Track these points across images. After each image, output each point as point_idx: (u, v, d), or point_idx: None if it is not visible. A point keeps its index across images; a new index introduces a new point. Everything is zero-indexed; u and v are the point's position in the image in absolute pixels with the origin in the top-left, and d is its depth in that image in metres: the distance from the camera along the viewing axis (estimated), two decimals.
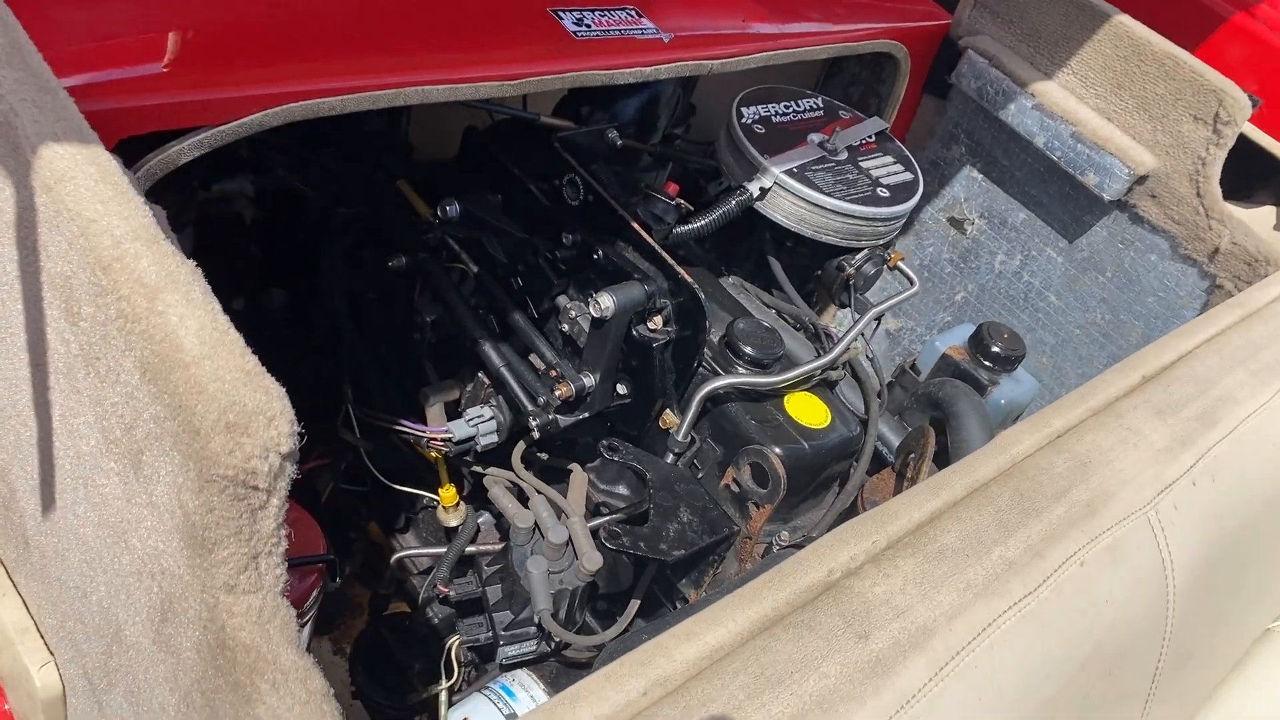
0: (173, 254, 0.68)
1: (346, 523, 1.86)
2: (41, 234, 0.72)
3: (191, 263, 0.67)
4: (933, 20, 1.88)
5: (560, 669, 1.43)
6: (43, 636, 1.03)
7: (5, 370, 0.86)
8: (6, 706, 1.10)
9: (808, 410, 1.33)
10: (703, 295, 1.27)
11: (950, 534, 0.93)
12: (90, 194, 0.69)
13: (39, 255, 0.74)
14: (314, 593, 1.02)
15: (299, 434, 0.64)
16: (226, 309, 1.79)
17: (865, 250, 1.50)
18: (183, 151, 1.06)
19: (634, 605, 1.36)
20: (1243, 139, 1.76)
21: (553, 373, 1.34)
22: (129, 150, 1.03)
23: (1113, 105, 1.70)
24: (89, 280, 0.67)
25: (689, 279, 1.27)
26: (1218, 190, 1.64)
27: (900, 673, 0.80)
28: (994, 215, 1.92)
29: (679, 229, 1.40)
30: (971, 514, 0.95)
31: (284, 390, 0.64)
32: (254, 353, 1.77)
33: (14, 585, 1.07)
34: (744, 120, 1.50)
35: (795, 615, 0.82)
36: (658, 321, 1.30)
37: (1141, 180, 1.68)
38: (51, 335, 0.76)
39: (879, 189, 1.48)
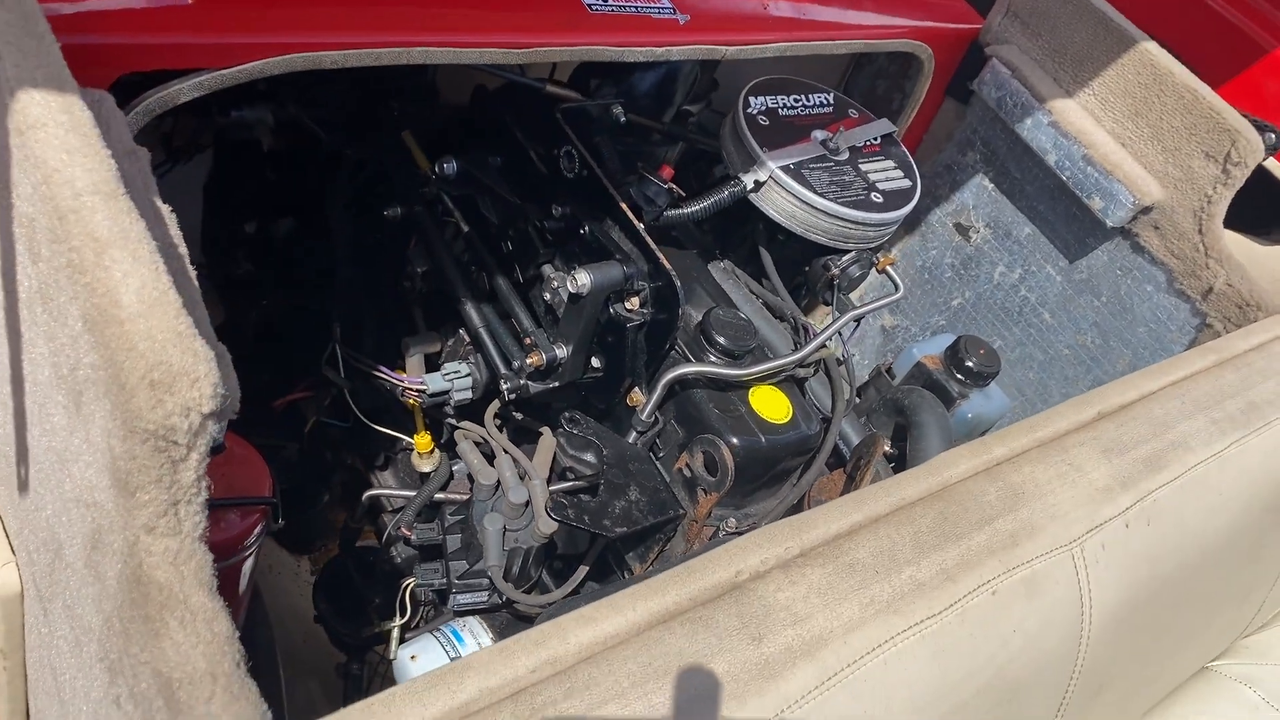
0: (128, 210, 0.71)
1: (327, 453, 1.92)
2: (14, 174, 0.76)
3: (142, 223, 0.70)
4: (964, 23, 1.87)
5: (510, 620, 1.49)
6: (8, 538, 1.09)
7: None
8: None
9: (771, 405, 1.36)
10: (679, 283, 1.29)
11: (865, 549, 0.96)
12: (59, 143, 0.73)
13: (11, 192, 0.78)
14: (255, 531, 1.07)
15: (224, 395, 0.68)
16: (238, 230, 1.84)
17: (853, 252, 1.51)
18: (182, 91, 1.09)
19: (582, 571, 1.40)
20: (1267, 174, 1.75)
21: (527, 340, 1.38)
22: (131, 86, 1.07)
23: (1128, 131, 1.70)
24: (47, 226, 0.71)
25: (668, 266, 1.30)
26: (1220, 229, 1.64)
27: (787, 678, 0.84)
28: (999, 226, 1.92)
29: (670, 212, 1.42)
30: (890, 531, 0.98)
31: (214, 354, 0.67)
32: (254, 276, 1.80)
33: None
34: (749, 110, 1.51)
35: (695, 611, 0.85)
36: (634, 303, 1.33)
37: (1146, 210, 1.68)
38: (19, 267, 0.80)
39: (873, 194, 1.49)
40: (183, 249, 0.87)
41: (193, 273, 0.86)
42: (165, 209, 0.89)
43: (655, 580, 0.87)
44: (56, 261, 0.71)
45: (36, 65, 0.77)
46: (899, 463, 1.45)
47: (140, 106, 1.06)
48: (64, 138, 0.73)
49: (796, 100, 1.57)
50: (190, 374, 0.66)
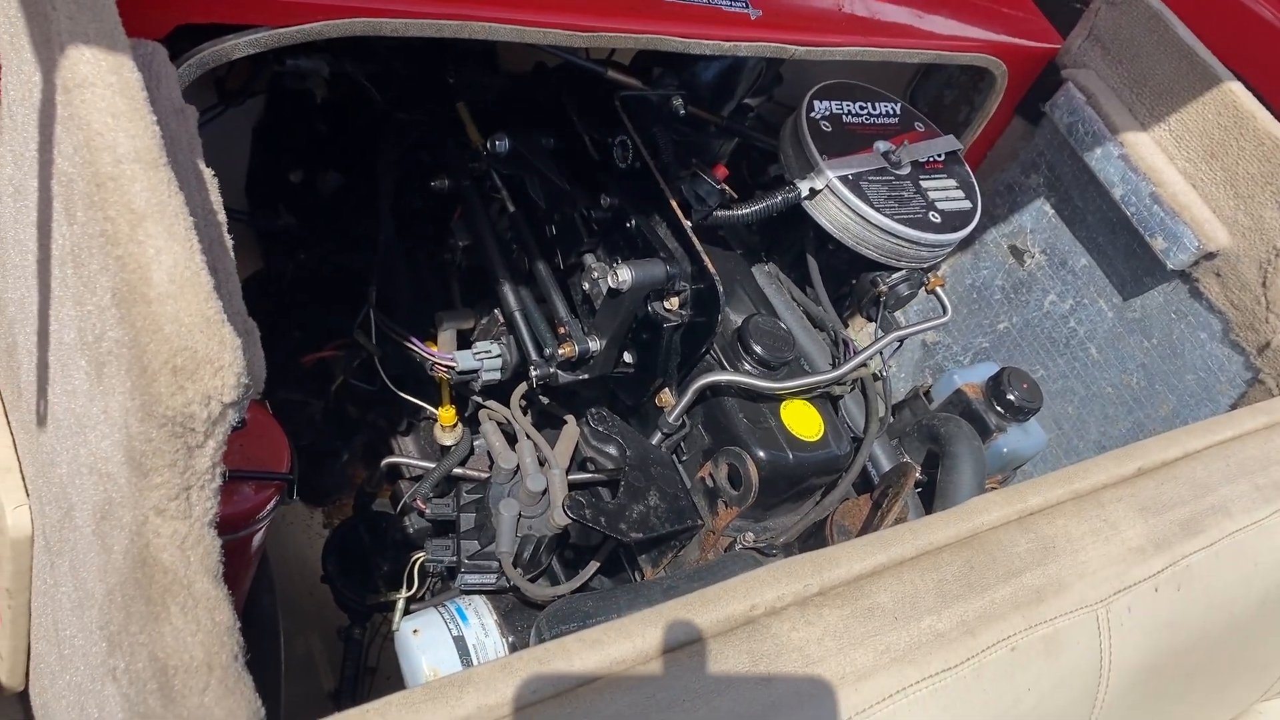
0: (168, 182, 0.69)
1: (351, 411, 1.91)
2: (57, 130, 0.74)
3: (181, 196, 0.68)
4: (1042, 42, 1.81)
5: (516, 604, 1.47)
6: (24, 480, 1.09)
7: (23, 235, 0.89)
8: None
9: (802, 420, 1.33)
10: (721, 288, 1.26)
11: (886, 593, 0.93)
12: (104, 105, 0.71)
13: (53, 148, 0.76)
14: (268, 505, 1.06)
15: (247, 385, 0.66)
16: (283, 180, 1.82)
17: (904, 270, 1.47)
18: (237, 47, 1.07)
19: (592, 567, 1.39)
20: None
21: (561, 329, 1.35)
22: (184, 37, 1.04)
23: (1200, 172, 1.64)
24: (85, 190, 0.69)
25: (713, 271, 1.27)
26: None
27: None
28: (1056, 254, 1.87)
29: (719, 213, 1.38)
30: (913, 577, 0.96)
31: (240, 342, 0.65)
32: (295, 229, 1.78)
33: (8, 425, 1.12)
34: (813, 115, 1.47)
35: (704, 644, 0.83)
36: (674, 303, 1.30)
37: (1210, 256, 1.63)
38: (55, 225, 0.78)
39: (931, 213, 1.44)
40: (221, 216, 0.85)
41: (229, 242, 0.84)
42: (208, 173, 0.87)
43: (667, 607, 0.85)
44: (91, 229, 0.69)
45: (90, 19, 0.74)
46: (926, 491, 1.42)
47: (194, 59, 1.04)
48: (111, 100, 0.71)
49: (862, 108, 1.53)
50: (215, 362, 0.64)
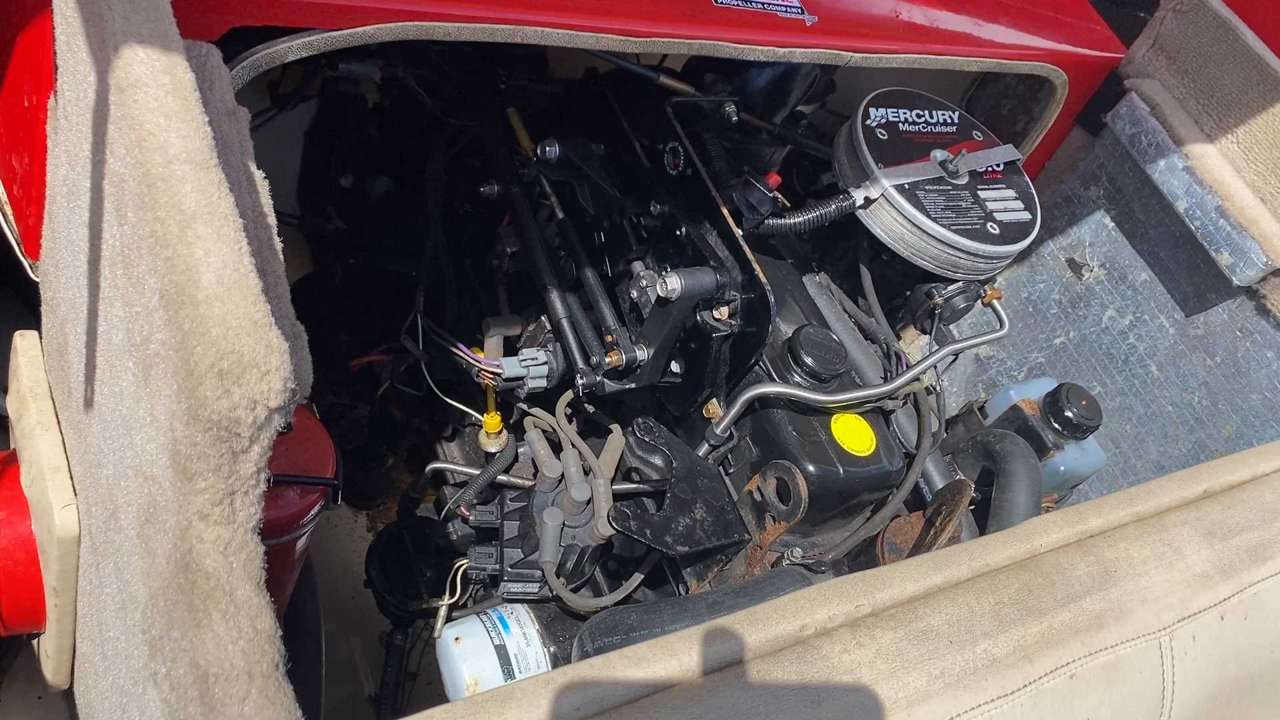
0: (218, 184, 0.68)
1: (397, 416, 1.91)
2: (110, 130, 0.74)
3: (231, 198, 0.67)
4: (1104, 51, 1.76)
5: (558, 613, 1.46)
6: (72, 479, 1.09)
7: (75, 235, 0.90)
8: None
9: (854, 435, 1.30)
10: (773, 299, 1.24)
11: (940, 616, 0.90)
12: (157, 105, 0.70)
13: (105, 148, 0.75)
14: (312, 510, 1.05)
15: (293, 390, 0.65)
16: (334, 183, 1.83)
17: (960, 282, 1.44)
18: (290, 50, 1.07)
19: (636, 579, 1.37)
20: None
21: (609, 337, 1.34)
22: (238, 40, 1.04)
23: (1270, 186, 1.59)
24: (136, 190, 0.69)
25: (764, 281, 1.25)
26: None
27: None
28: (1115, 268, 1.83)
29: (771, 221, 1.36)
30: (969, 599, 0.92)
31: (287, 346, 0.64)
32: (345, 233, 1.79)
33: (59, 424, 1.13)
34: (869, 122, 1.44)
35: (753, 663, 0.81)
36: (724, 313, 1.28)
37: (1278, 272, 1.57)
38: (105, 225, 0.78)
39: (990, 224, 1.41)
40: (271, 219, 0.84)
41: (279, 244, 0.83)
42: (259, 175, 0.86)
43: (714, 624, 0.83)
44: (141, 230, 0.68)
45: (145, 20, 0.74)
46: (980, 509, 1.39)
47: (247, 62, 1.04)
48: (163, 100, 0.71)
49: (919, 116, 1.50)
50: (261, 366, 0.63)
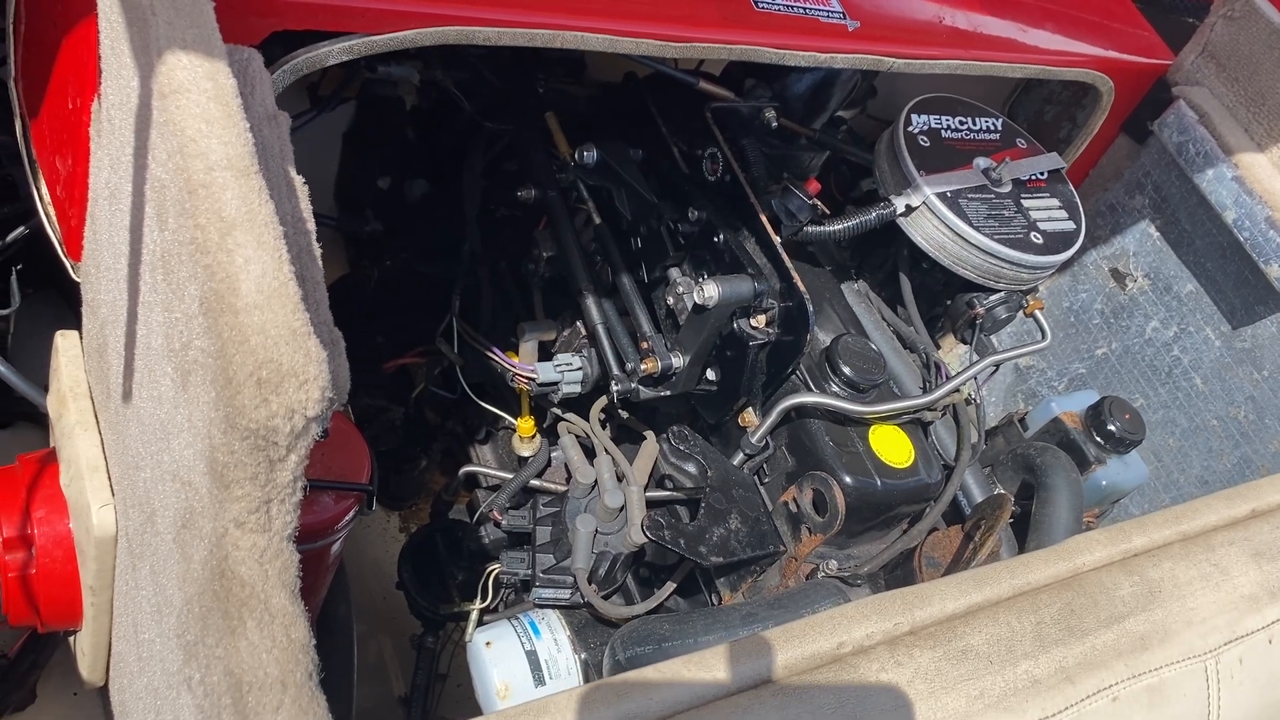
0: (259, 190, 0.68)
1: (431, 418, 1.91)
2: (152, 135, 0.74)
3: (271, 205, 0.67)
4: (1151, 58, 1.73)
5: (589, 620, 1.45)
6: (110, 480, 1.10)
7: (117, 239, 0.90)
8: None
9: (892, 446, 1.29)
10: (811, 307, 1.22)
11: (980, 635, 0.88)
12: (199, 111, 0.70)
13: (147, 154, 0.75)
14: (347, 515, 1.05)
15: (331, 399, 0.65)
16: (371, 185, 1.83)
17: (1002, 292, 1.42)
18: (331, 54, 1.07)
19: (668, 588, 1.36)
20: None
21: (644, 344, 1.33)
22: (279, 43, 1.04)
23: None
24: (177, 197, 0.69)
25: (803, 289, 1.23)
26: None
27: None
28: (1160, 278, 1.79)
29: (810, 228, 1.35)
30: (1010, 619, 0.91)
31: (325, 354, 0.64)
32: (381, 235, 1.80)
33: (98, 425, 1.14)
34: (910, 129, 1.42)
35: (790, 680, 0.80)
36: (761, 321, 1.27)
37: None
38: (146, 230, 0.78)
39: (1033, 234, 1.39)
40: (310, 224, 0.84)
41: (318, 250, 0.83)
42: (299, 180, 0.86)
43: (749, 640, 0.81)
44: (181, 235, 0.68)
45: (188, 25, 0.74)
46: (1019, 523, 1.36)
47: (288, 66, 1.04)
48: (205, 106, 0.70)
49: (962, 122, 1.48)
50: (299, 375, 0.62)
